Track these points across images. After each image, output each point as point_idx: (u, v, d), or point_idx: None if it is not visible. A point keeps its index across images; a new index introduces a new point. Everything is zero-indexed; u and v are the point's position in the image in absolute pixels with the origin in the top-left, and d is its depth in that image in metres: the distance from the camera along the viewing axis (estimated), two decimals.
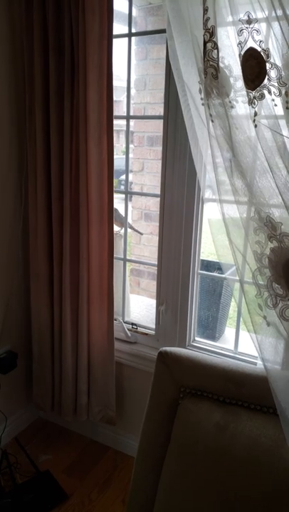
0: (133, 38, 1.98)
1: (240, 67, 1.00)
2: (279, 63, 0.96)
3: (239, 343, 1.72)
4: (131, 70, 1.75)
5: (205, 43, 1.00)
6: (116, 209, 2.27)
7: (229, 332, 2.89)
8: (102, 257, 1.74)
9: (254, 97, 0.98)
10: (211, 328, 2.72)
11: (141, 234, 3.08)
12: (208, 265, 2.52)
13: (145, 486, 0.98)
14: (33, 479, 1.85)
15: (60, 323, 1.86)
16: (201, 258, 1.78)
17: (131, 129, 2.93)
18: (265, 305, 0.88)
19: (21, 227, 1.94)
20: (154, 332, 1.90)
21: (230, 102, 1.02)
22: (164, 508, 0.91)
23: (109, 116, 1.58)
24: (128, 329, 1.94)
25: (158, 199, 1.74)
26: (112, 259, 1.73)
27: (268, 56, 0.96)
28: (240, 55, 0.99)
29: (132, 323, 1.97)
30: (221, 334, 2.83)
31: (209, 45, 0.99)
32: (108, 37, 1.50)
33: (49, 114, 1.66)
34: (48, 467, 1.93)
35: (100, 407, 1.92)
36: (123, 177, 3.22)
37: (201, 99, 1.08)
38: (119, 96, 3.76)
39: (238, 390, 0.88)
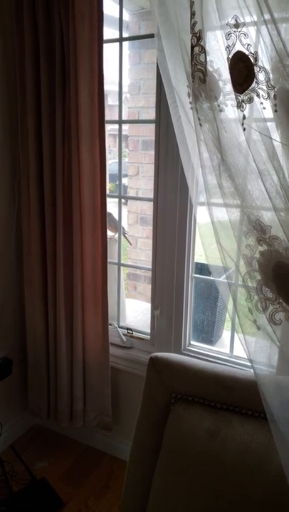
0: (127, 43, 1.97)
1: (228, 71, 1.00)
2: (267, 66, 0.96)
3: (235, 347, 1.71)
4: (125, 75, 1.76)
5: (192, 47, 1.00)
6: (110, 213, 2.26)
7: (227, 335, 2.88)
8: (95, 262, 1.73)
9: (242, 101, 0.98)
10: (207, 332, 2.71)
11: (130, 244, 3.08)
12: (202, 268, 2.51)
13: (137, 492, 0.97)
14: (29, 487, 1.83)
15: (54, 328, 1.85)
16: (196, 261, 1.78)
17: (126, 133, 2.95)
18: (255, 309, 0.87)
19: (15, 233, 1.93)
20: (149, 337, 1.89)
21: (219, 105, 1.02)
22: None
23: (101, 121, 1.58)
24: (123, 334, 1.93)
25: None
26: (106, 263, 1.73)
27: (256, 59, 0.96)
28: (228, 58, 0.99)
29: (128, 328, 1.96)
30: (218, 338, 2.82)
31: (196, 49, 0.99)
32: (98, 42, 1.50)
33: (41, 119, 1.66)
34: (44, 474, 1.91)
35: (96, 412, 1.91)
36: None
37: (190, 103, 1.08)
38: (114, 100, 3.78)
39: (229, 395, 0.87)
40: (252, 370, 0.94)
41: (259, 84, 0.96)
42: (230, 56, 0.97)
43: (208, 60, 1.00)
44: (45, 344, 1.92)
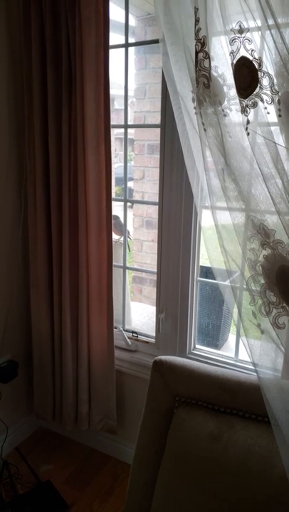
0: (133, 48, 1.98)
1: (233, 76, 1.00)
2: (271, 71, 0.96)
3: (240, 351, 1.70)
4: (131, 79, 1.77)
5: (197, 53, 1.01)
6: (117, 216, 2.27)
7: (233, 339, 2.87)
8: (101, 265, 1.74)
9: (246, 105, 0.99)
10: (213, 336, 2.70)
11: (129, 250, 3.08)
12: (207, 272, 2.51)
13: (141, 495, 0.97)
14: (34, 490, 1.84)
15: (60, 332, 1.86)
16: (202, 264, 1.78)
17: (132, 137, 2.97)
18: (259, 312, 0.87)
19: (21, 236, 1.95)
20: (154, 340, 1.89)
21: (223, 110, 1.03)
22: None
23: (107, 126, 1.60)
24: (128, 337, 1.94)
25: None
26: (111, 266, 1.74)
27: (260, 65, 0.96)
28: (232, 64, 0.99)
29: (133, 332, 1.96)
30: (224, 342, 2.81)
31: (201, 55, 1.00)
32: (104, 47, 1.52)
33: (47, 124, 1.67)
34: (49, 477, 1.91)
35: (101, 416, 1.91)
36: None
37: (194, 108, 1.08)
38: (120, 104, 3.80)
39: (233, 399, 0.87)
40: (256, 374, 0.94)
41: (263, 89, 0.97)
42: (235, 61, 0.98)
43: (212, 65, 1.01)
44: (50, 347, 1.93)
